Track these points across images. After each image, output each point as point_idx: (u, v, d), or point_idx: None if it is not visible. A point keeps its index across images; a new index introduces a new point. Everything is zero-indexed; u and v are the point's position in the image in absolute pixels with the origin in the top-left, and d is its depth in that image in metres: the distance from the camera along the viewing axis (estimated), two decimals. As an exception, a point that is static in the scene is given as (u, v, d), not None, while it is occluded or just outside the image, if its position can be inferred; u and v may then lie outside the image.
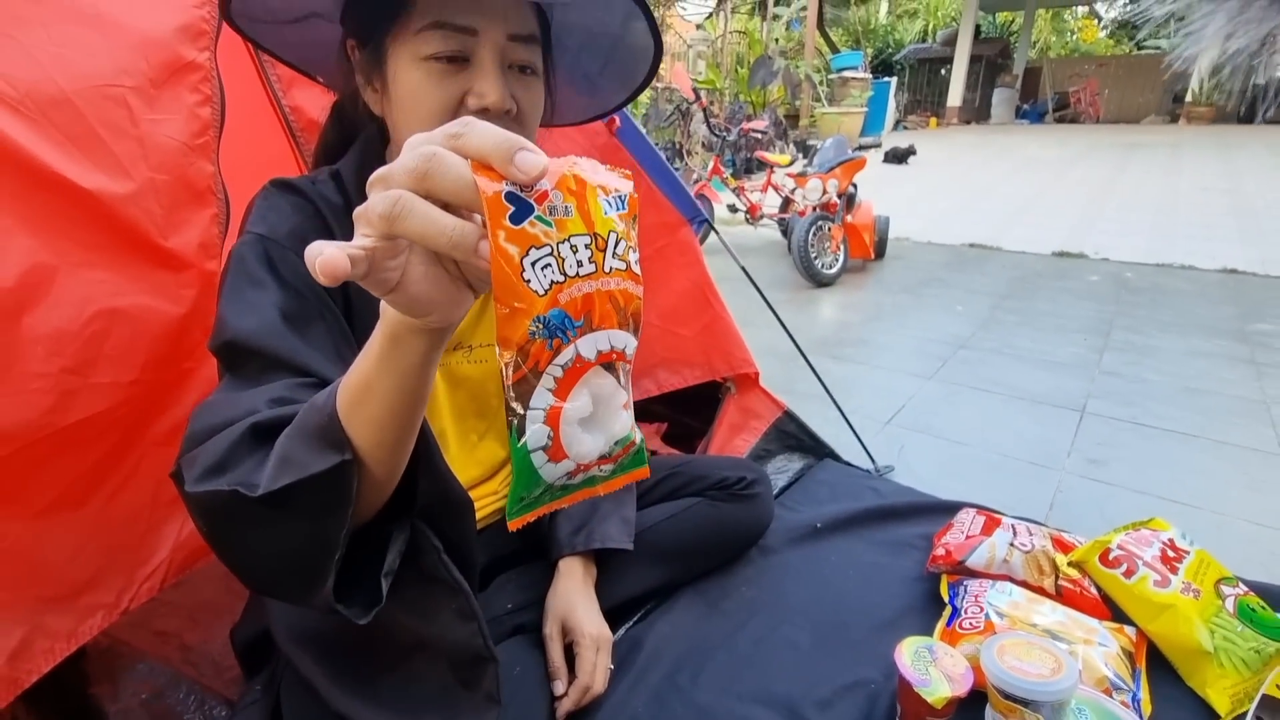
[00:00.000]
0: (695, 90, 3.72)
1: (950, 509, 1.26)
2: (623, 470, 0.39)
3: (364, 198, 0.58)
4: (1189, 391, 2.01)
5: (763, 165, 5.27)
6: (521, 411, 0.33)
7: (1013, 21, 15.63)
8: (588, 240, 0.32)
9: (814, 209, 3.18)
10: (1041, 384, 2.07)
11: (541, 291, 0.31)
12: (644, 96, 6.47)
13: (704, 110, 3.77)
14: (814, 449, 1.49)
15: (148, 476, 0.94)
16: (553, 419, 0.34)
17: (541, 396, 0.33)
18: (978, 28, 12.83)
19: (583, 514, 0.97)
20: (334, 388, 0.45)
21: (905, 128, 11.69)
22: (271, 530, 0.48)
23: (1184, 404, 1.92)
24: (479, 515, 0.95)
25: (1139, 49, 17.61)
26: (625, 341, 0.35)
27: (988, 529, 1.08)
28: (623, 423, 0.36)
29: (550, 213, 0.31)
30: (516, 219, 0.31)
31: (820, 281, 3.16)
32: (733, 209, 3.99)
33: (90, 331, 0.83)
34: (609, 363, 0.35)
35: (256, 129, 1.24)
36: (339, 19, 0.69)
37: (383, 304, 0.40)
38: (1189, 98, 10.75)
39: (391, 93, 0.64)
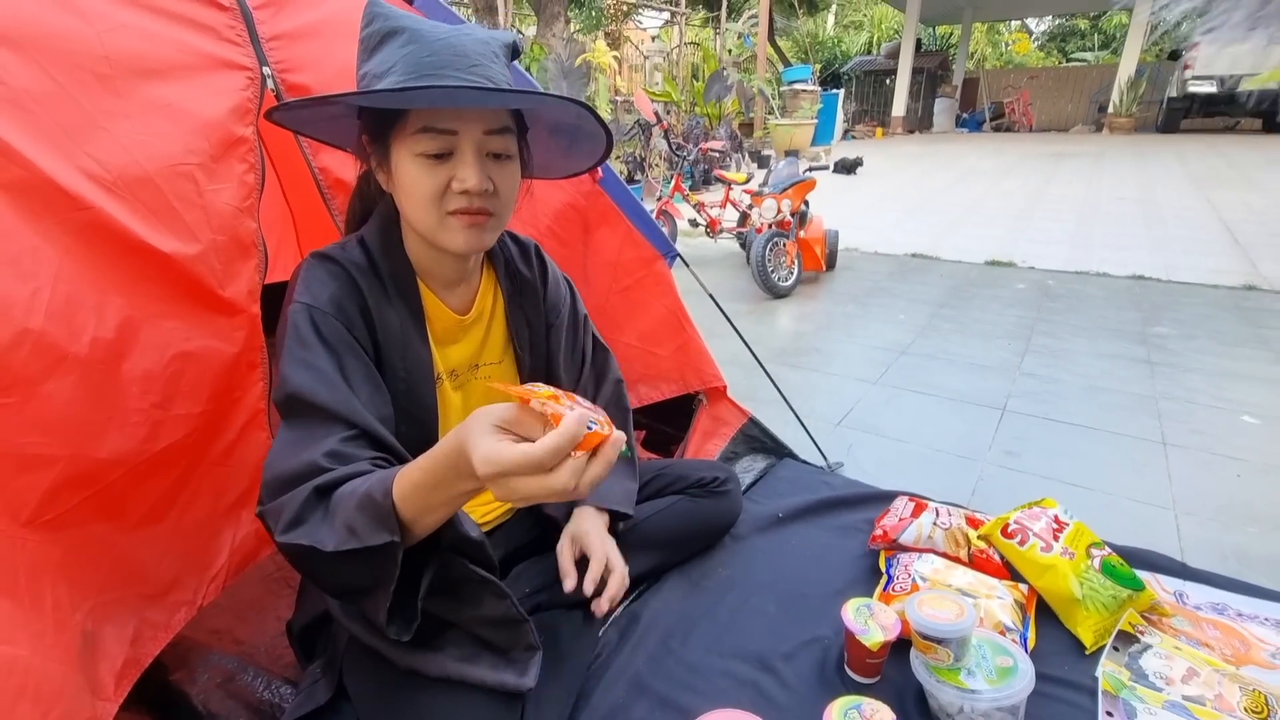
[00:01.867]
0: (656, 113, 3.94)
1: (889, 497, 1.49)
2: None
3: (387, 260, 0.94)
4: (1093, 389, 2.31)
5: (717, 182, 5.54)
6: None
7: (951, 34, 16.44)
8: (570, 408, 0.57)
9: (770, 226, 3.43)
10: (970, 386, 2.35)
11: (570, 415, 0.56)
12: (605, 111, 6.67)
13: (665, 131, 3.99)
14: (775, 449, 1.71)
15: (209, 492, 1.10)
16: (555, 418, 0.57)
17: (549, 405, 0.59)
18: (919, 41, 13.46)
19: None
20: (390, 482, 0.65)
21: (853, 137, 12.20)
22: (341, 571, 0.70)
23: (1089, 401, 2.22)
24: (497, 515, 1.14)
25: (1066, 60, 18.72)
26: (599, 416, 0.58)
27: (917, 512, 1.31)
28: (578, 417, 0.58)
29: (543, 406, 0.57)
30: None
31: (777, 294, 3.42)
32: (694, 223, 4.23)
33: (170, 371, 0.98)
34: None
35: (294, 184, 1.39)
36: (356, 116, 0.88)
37: (469, 463, 0.59)
38: (1110, 109, 11.53)
39: (395, 177, 0.84)
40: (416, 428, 0.90)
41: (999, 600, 1.08)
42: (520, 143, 0.89)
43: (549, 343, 1.09)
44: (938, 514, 1.29)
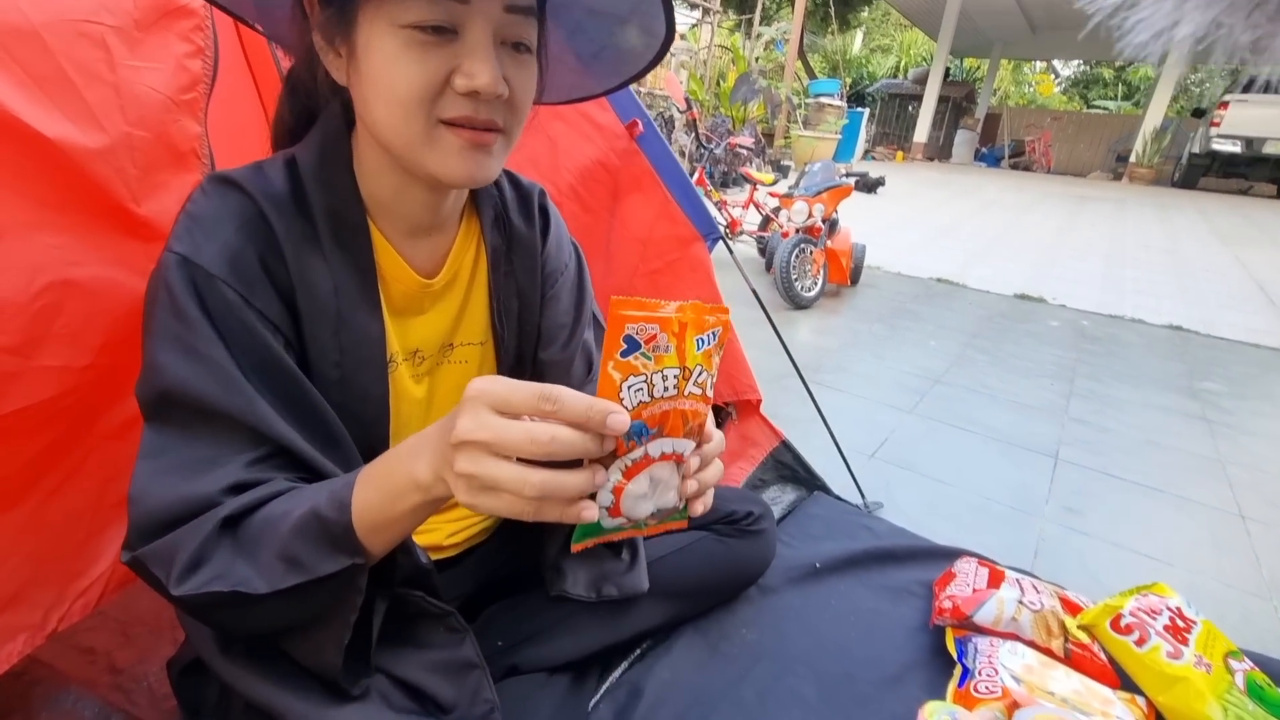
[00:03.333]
0: (688, 100, 3.69)
1: (947, 555, 1.24)
2: (665, 520, 0.49)
3: (324, 191, 0.62)
4: (1151, 445, 2.07)
5: (740, 179, 5.29)
6: (597, 481, 0.43)
7: (978, 68, 16.37)
8: (677, 371, 0.43)
9: (798, 231, 3.18)
10: (1016, 426, 2.11)
11: (630, 407, 0.42)
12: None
13: (694, 121, 3.73)
14: (807, 481, 1.45)
15: (93, 474, 0.82)
16: (617, 491, 0.45)
17: (613, 474, 0.44)
18: (947, 70, 13.33)
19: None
20: (343, 494, 0.49)
21: (873, 158, 12.03)
22: (277, 614, 0.52)
23: (1147, 457, 1.98)
24: (466, 534, 0.86)
25: (1088, 107, 18.72)
26: (685, 447, 0.46)
27: (993, 582, 1.06)
28: (671, 499, 0.47)
29: (653, 349, 0.42)
30: (625, 354, 0.41)
31: (798, 304, 3.16)
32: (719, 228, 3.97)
33: (39, 306, 0.70)
34: (669, 461, 0.46)
35: (249, 90, 1.12)
36: None
37: (424, 477, 0.46)
38: (1132, 158, 11.45)
39: (362, 63, 0.54)
40: (355, 427, 0.62)
41: None
42: (540, 35, 0.61)
43: (543, 318, 0.79)
44: (1022, 588, 1.03)
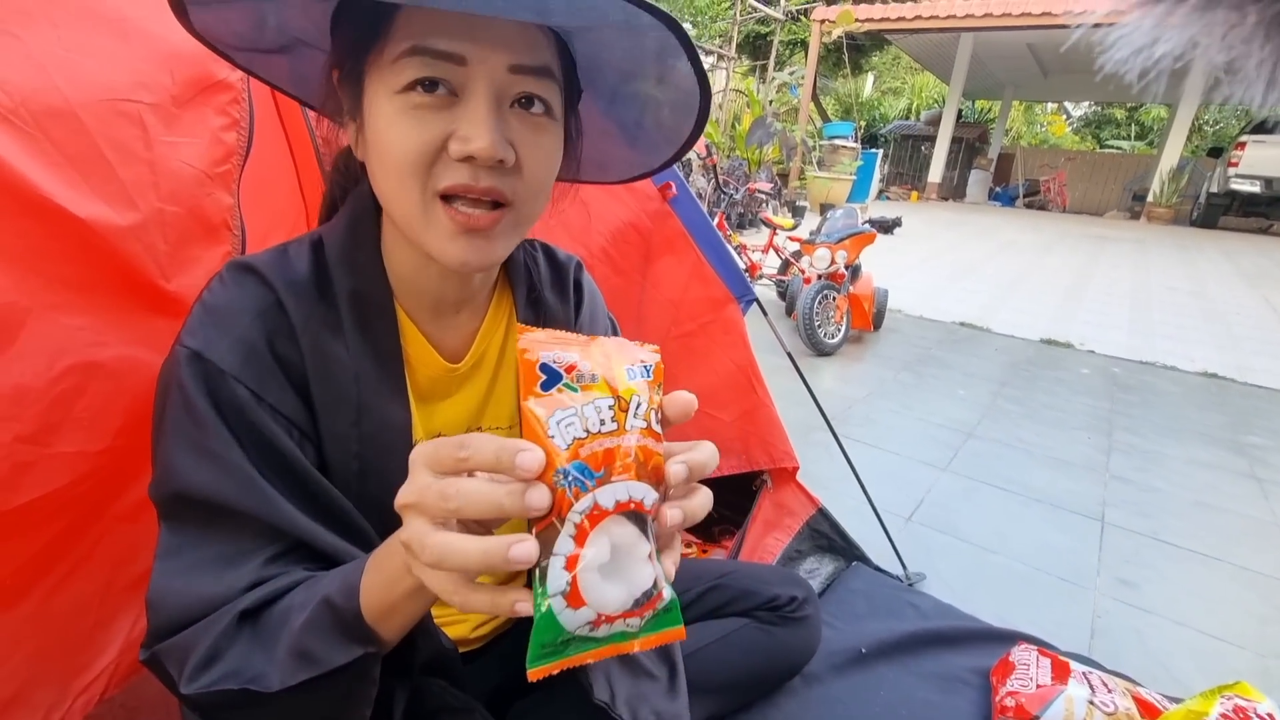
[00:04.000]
0: (708, 147, 3.72)
1: (1001, 638, 1.16)
2: (655, 628, 0.39)
3: (348, 272, 0.58)
4: (1201, 506, 1.98)
5: (756, 220, 5.30)
6: (545, 559, 0.35)
7: (990, 109, 16.56)
8: (611, 402, 0.37)
9: (820, 278, 3.15)
10: (1056, 486, 2.02)
11: (564, 446, 0.35)
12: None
13: (714, 167, 3.76)
14: (844, 551, 1.38)
15: (104, 559, 0.78)
16: (571, 564, 0.35)
17: (563, 543, 0.35)
18: (959, 111, 13.49)
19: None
20: (351, 579, 0.45)
21: (888, 198, 12.10)
22: (292, 712, 0.48)
23: (1198, 520, 1.89)
24: (492, 625, 0.81)
25: (1101, 146, 18.81)
26: (644, 493, 0.37)
27: (1058, 675, 0.98)
28: (645, 574, 0.37)
29: (577, 379, 0.37)
30: (546, 386, 0.36)
31: (821, 351, 3.12)
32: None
33: (59, 390, 0.67)
34: (629, 512, 0.36)
35: (283, 156, 1.11)
36: (329, 40, 0.55)
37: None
38: (1150, 198, 11.41)
39: (368, 133, 0.52)
40: (376, 516, 0.57)
41: None
42: (568, 112, 0.57)
43: None
44: (1091, 685, 0.95)
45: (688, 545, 1.38)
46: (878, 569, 1.39)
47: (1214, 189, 10.74)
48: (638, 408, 0.37)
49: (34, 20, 0.66)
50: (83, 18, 0.69)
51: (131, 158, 0.73)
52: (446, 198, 0.51)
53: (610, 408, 0.36)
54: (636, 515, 0.37)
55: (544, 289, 0.72)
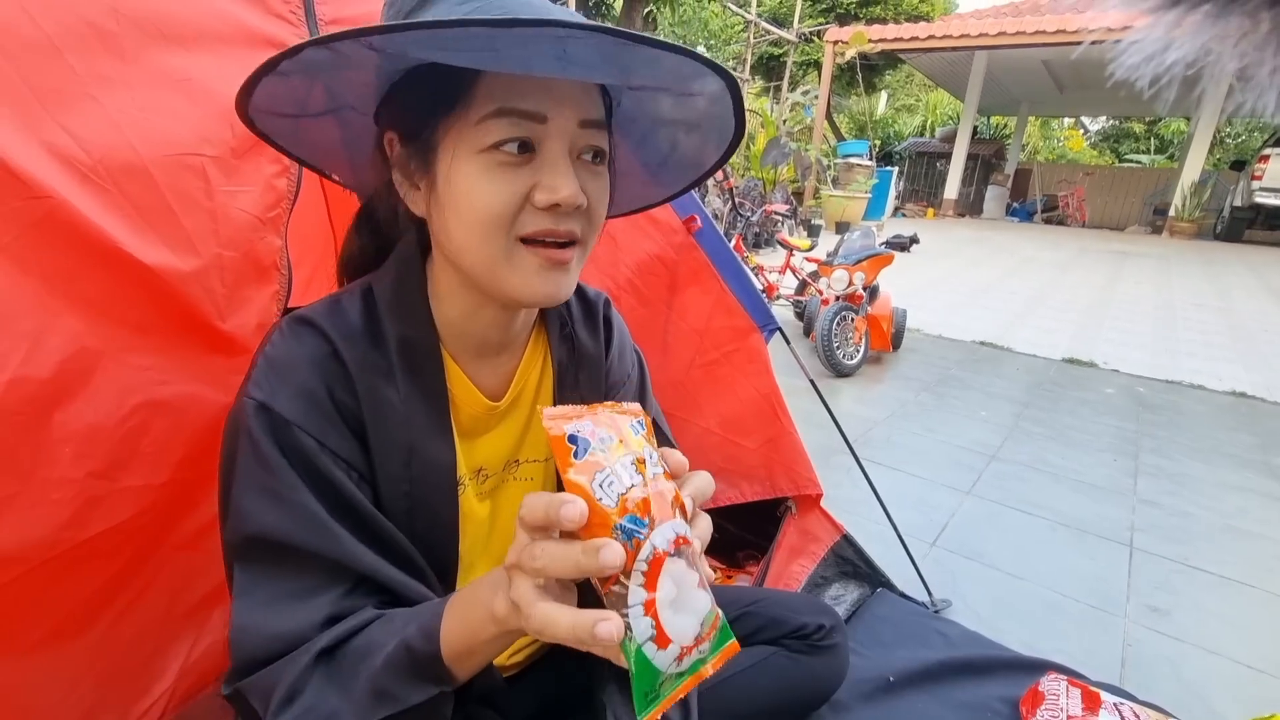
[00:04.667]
0: (725, 170, 3.77)
1: (1030, 667, 1.16)
2: (717, 648, 0.43)
3: (398, 320, 0.63)
4: (1233, 532, 1.94)
5: (772, 239, 5.33)
6: (624, 612, 0.38)
7: (1006, 125, 16.51)
8: (632, 458, 0.41)
9: (838, 299, 3.17)
10: (1083, 509, 2.00)
11: (613, 504, 0.39)
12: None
13: (730, 191, 3.81)
14: (869, 577, 1.39)
15: (164, 587, 0.81)
16: (649, 608, 0.38)
17: (635, 593, 0.38)
18: (975, 128, 13.47)
19: None
20: (431, 625, 0.49)
21: (904, 215, 12.08)
22: None
23: (1230, 546, 1.86)
24: (528, 651, 0.83)
25: (1120, 161, 18.65)
26: (683, 528, 0.42)
27: (1089, 706, 0.97)
28: (703, 600, 0.41)
29: (601, 444, 0.41)
30: (579, 455, 0.40)
31: (840, 372, 3.12)
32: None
33: (128, 428, 0.72)
34: (678, 549, 0.40)
35: (316, 196, 1.17)
36: (373, 112, 0.60)
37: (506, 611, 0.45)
38: (1171, 212, 11.26)
39: (442, 192, 0.56)
40: (424, 550, 0.62)
41: None
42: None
43: None
44: (1123, 717, 0.95)
45: (713, 571, 1.39)
46: (903, 595, 1.39)
47: (1238, 202, 10.58)
48: (651, 457, 0.43)
49: (112, 84, 0.71)
50: (154, 79, 0.74)
51: (194, 207, 0.77)
52: (526, 241, 0.56)
53: (633, 462, 0.41)
54: (683, 549, 0.41)
55: (577, 327, 0.75)
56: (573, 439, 0.40)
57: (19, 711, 0.65)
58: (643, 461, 0.42)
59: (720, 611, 0.43)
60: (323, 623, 0.53)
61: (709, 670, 0.42)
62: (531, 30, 0.45)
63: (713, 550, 1.44)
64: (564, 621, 0.39)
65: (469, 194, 0.54)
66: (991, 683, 1.12)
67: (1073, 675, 1.10)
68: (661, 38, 0.50)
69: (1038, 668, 1.14)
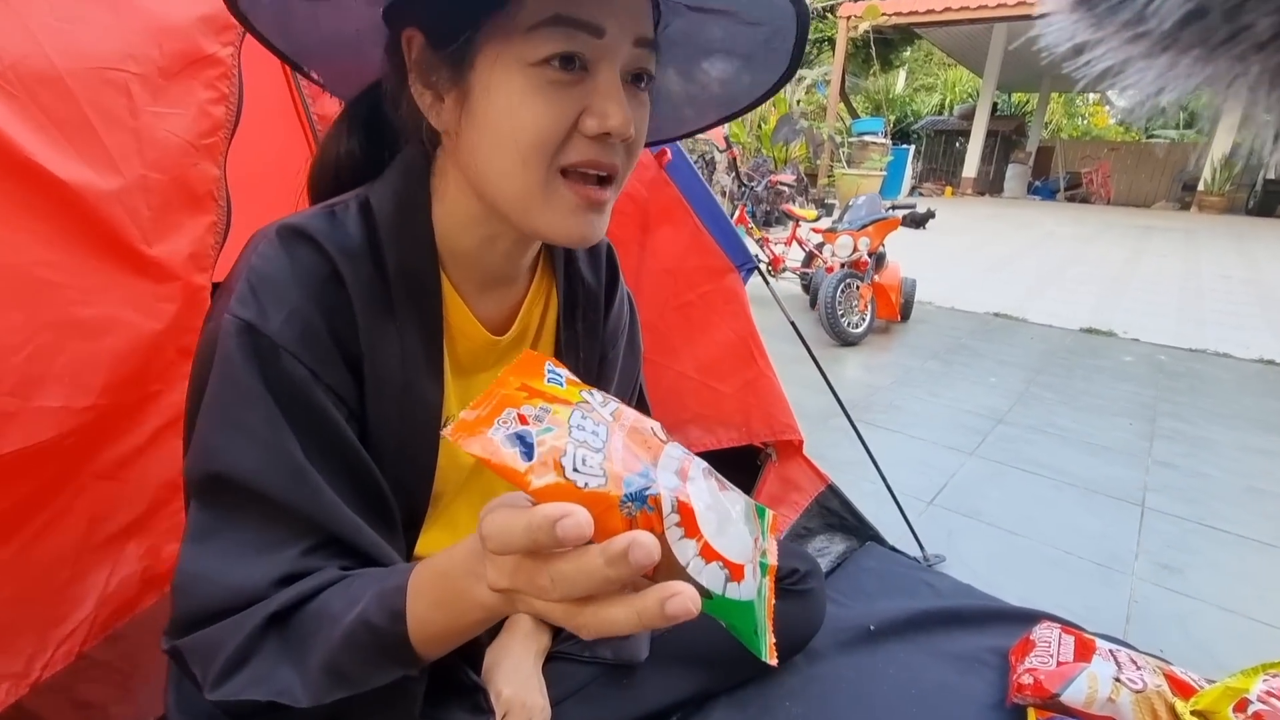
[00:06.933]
0: (727, 139, 3.69)
1: (1023, 618, 1.09)
2: (765, 532, 0.38)
3: (399, 244, 0.55)
4: (1254, 493, 1.85)
5: (784, 218, 5.24)
6: (686, 573, 0.31)
7: (1027, 102, 16.06)
8: (578, 412, 0.34)
9: (843, 266, 3.08)
10: (1092, 470, 1.91)
11: (603, 479, 0.31)
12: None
13: (733, 160, 3.72)
14: (857, 530, 1.33)
15: (80, 515, 0.79)
16: (708, 553, 0.32)
17: (685, 549, 0.31)
18: (994, 104, 13.13)
19: None
20: (395, 598, 0.43)
21: (921, 194, 11.83)
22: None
23: (1251, 506, 1.76)
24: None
25: (1147, 137, 18.06)
26: (681, 450, 0.36)
27: (1081, 654, 0.91)
28: (734, 499, 0.36)
29: (541, 423, 0.33)
30: (528, 456, 0.31)
31: (845, 340, 3.04)
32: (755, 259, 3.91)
33: (36, 345, 0.69)
34: (688, 473, 0.34)
35: (274, 128, 1.14)
36: (382, 5, 0.52)
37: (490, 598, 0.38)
38: (1201, 187, 10.89)
39: (477, 107, 0.48)
40: (399, 495, 0.56)
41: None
42: None
43: (599, 382, 0.71)
44: (1118, 663, 0.89)
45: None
46: (894, 550, 1.33)
47: (1272, 175, 10.19)
48: (592, 396, 0.36)
49: (28, -12, 0.68)
50: (78, -10, 0.71)
51: (116, 125, 0.74)
52: (565, 174, 0.50)
53: (584, 415, 0.34)
54: (689, 471, 0.35)
55: (580, 264, 0.70)
56: (513, 441, 0.31)
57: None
58: (587, 404, 0.35)
59: (748, 498, 0.38)
60: (280, 580, 0.46)
61: (773, 553, 0.38)
62: None
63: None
64: (625, 620, 0.31)
65: (513, 114, 0.47)
66: (981, 634, 1.06)
67: (1068, 625, 1.04)
68: None
69: (1031, 619, 1.07)
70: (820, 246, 3.59)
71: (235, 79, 0.87)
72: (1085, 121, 19.34)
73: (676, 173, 1.17)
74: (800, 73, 9.86)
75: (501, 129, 0.48)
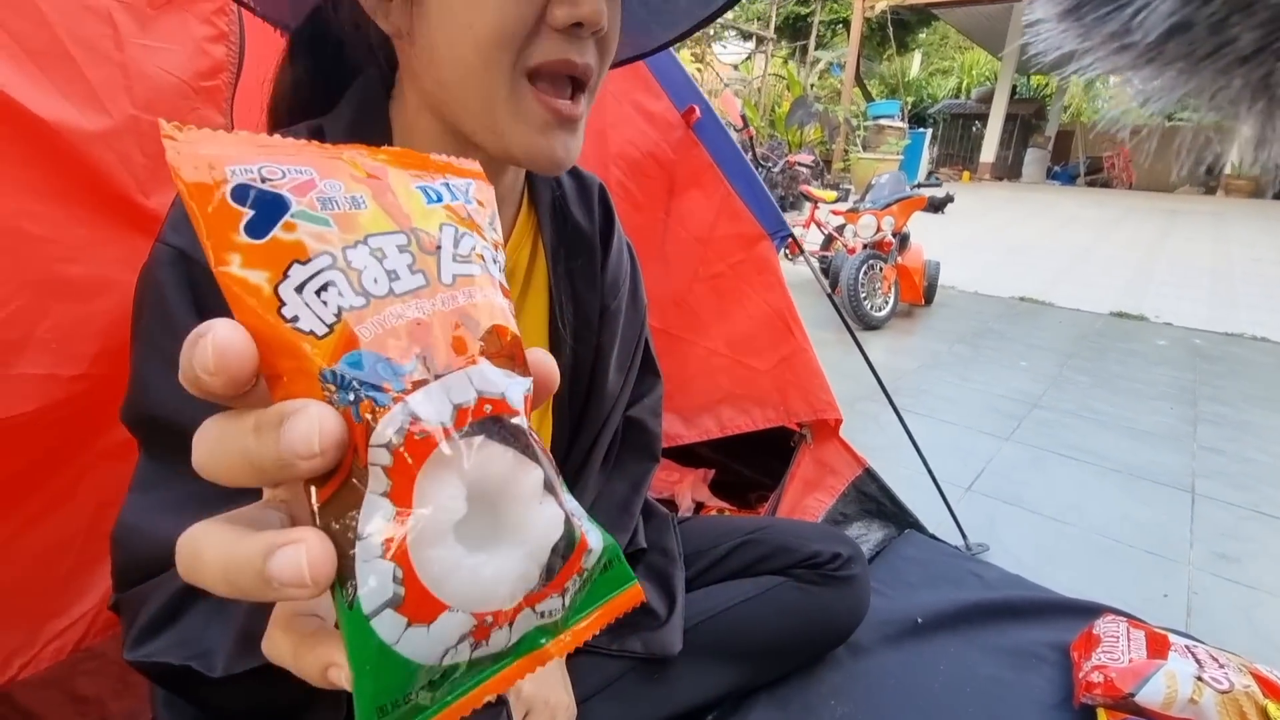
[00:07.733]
0: (744, 118, 3.58)
1: (1082, 611, 1.01)
2: (596, 599, 0.23)
3: None
4: (1308, 478, 1.75)
5: (800, 202, 5.12)
6: (349, 551, 0.18)
7: (1047, 84, 15.71)
8: (401, 239, 0.21)
9: (865, 247, 2.98)
10: (1136, 456, 1.82)
11: (323, 329, 0.19)
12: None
13: (750, 139, 3.61)
14: (896, 517, 1.25)
15: (88, 498, 0.73)
16: (393, 547, 0.18)
17: (372, 510, 0.18)
18: (1013, 87, 12.84)
19: None
20: None
21: (938, 179, 11.60)
22: (241, 696, 0.39)
23: (1307, 493, 1.67)
24: None
25: (1169, 120, 17.63)
26: (504, 385, 0.21)
27: (1155, 650, 0.83)
28: (547, 517, 0.21)
29: (323, 204, 0.20)
30: (257, 228, 0.19)
31: (868, 324, 2.95)
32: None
33: (16, 305, 0.62)
34: (484, 420, 0.20)
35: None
36: None
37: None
38: (1228, 169, 10.61)
39: (432, 3, 0.43)
40: None
41: None
42: None
43: (601, 336, 0.65)
44: (1198, 660, 0.81)
45: (719, 512, 1.27)
46: (935, 538, 1.26)
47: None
48: (458, 243, 0.22)
49: (-14, -99, 0.60)
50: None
51: (100, 57, 0.67)
52: (532, 79, 0.44)
53: (401, 247, 0.21)
54: (501, 424, 0.21)
55: (570, 204, 0.63)
56: (243, 193, 0.19)
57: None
58: (431, 248, 0.21)
59: (600, 538, 0.23)
60: None
61: (568, 640, 0.23)
62: None
63: (721, 491, 1.32)
64: (212, 558, 0.21)
65: (470, 3, 0.42)
66: (1036, 627, 0.99)
67: (1132, 619, 0.96)
68: None
69: (1090, 611, 1.00)
70: (840, 229, 3.48)
71: (234, 17, 0.80)
72: (1106, 105, 18.92)
73: (704, 132, 1.09)
74: (815, 55, 9.67)
75: (459, 23, 0.43)
